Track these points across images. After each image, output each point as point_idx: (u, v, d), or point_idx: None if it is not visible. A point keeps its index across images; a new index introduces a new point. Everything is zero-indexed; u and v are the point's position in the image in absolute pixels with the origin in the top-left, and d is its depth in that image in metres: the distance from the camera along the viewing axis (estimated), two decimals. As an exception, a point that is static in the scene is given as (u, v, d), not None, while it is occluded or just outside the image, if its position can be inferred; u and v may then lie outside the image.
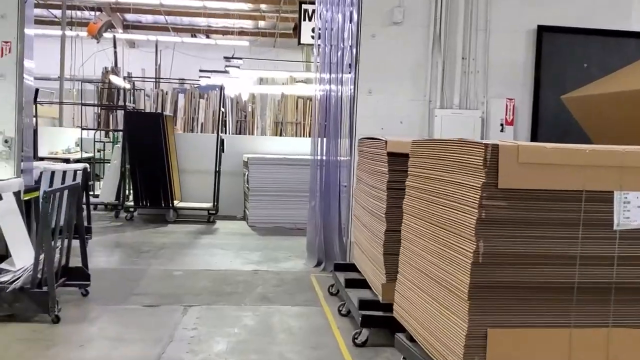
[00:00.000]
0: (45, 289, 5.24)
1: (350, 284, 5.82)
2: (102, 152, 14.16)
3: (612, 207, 3.50)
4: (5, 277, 5.27)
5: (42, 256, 5.23)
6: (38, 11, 20.79)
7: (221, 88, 13.06)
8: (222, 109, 12.96)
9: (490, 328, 3.45)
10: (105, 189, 12.15)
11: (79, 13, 20.64)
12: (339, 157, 7.94)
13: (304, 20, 13.40)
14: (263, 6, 19.87)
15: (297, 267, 7.95)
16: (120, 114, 15.76)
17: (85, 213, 8.81)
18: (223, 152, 11.93)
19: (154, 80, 19.20)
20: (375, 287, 5.27)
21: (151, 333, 5.13)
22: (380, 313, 4.97)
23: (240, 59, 13.97)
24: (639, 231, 3.52)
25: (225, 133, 14.94)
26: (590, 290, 3.51)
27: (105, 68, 19.82)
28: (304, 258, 8.35)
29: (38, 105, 16.43)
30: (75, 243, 6.14)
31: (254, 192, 11.35)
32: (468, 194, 3.51)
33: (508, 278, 3.44)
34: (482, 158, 3.41)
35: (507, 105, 7.67)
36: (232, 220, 11.88)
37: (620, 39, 7.63)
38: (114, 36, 21.12)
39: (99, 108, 18.30)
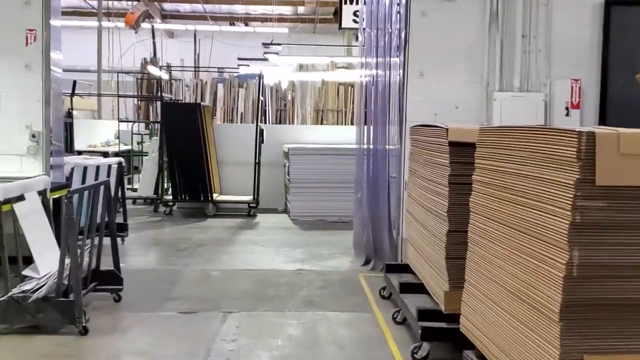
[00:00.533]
0: (71, 297, 4.79)
1: (406, 288, 5.23)
2: (141, 144, 13.83)
3: None
4: (28, 285, 4.84)
5: (67, 261, 4.78)
6: (75, 2, 20.63)
7: (260, 76, 12.56)
8: (262, 98, 12.45)
9: (587, 355, 2.83)
10: (143, 183, 11.77)
11: (116, 3, 20.38)
12: (387, 146, 7.33)
13: (345, 3, 12.79)
14: (303, -9, 19.29)
15: (344, 266, 7.39)
16: (160, 105, 15.43)
17: (121, 209, 8.49)
18: (263, 142, 11.43)
19: (192, 70, 18.84)
20: (435, 294, 4.67)
21: (187, 345, 4.64)
22: (442, 324, 4.38)
23: (280, 44, 13.42)
24: None
25: (265, 123, 14.47)
26: None
27: (144, 59, 19.55)
28: (351, 255, 7.79)
29: (78, 97, 16.31)
30: (108, 241, 5.71)
31: (295, 184, 10.84)
32: (558, 192, 2.89)
33: (609, 294, 2.82)
34: (575, 149, 2.78)
35: (572, 87, 6.94)
36: (273, 214, 11.40)
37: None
38: (152, 26, 20.87)
39: (138, 100, 18.02)
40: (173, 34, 24.16)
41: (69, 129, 13.00)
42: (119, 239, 8.15)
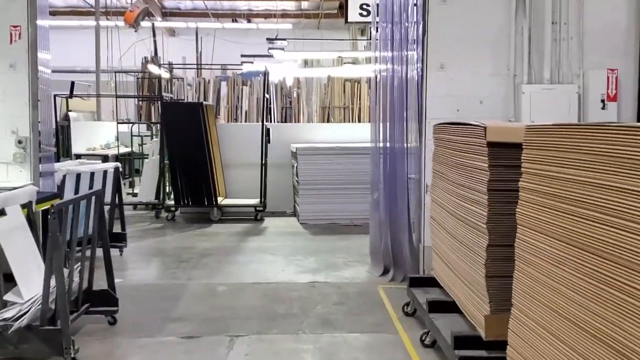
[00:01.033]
0: (59, 324, 4.23)
1: (435, 306, 4.65)
2: (142, 146, 13.27)
3: None
4: (10, 312, 4.27)
5: (53, 285, 4.23)
6: (74, 1, 20.16)
7: (265, 73, 11.98)
8: (267, 95, 11.88)
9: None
10: (144, 187, 11.19)
11: (115, 1, 19.84)
12: (405, 144, 6.75)
13: (351, -4, 12.19)
14: (306, -15, 18.75)
15: (360, 276, 6.81)
16: (160, 105, 14.88)
17: (119, 218, 7.94)
18: (269, 142, 10.85)
19: (194, 68, 18.29)
20: (472, 316, 4.09)
21: (189, 378, 4.09)
22: (483, 353, 3.80)
23: (285, 39, 12.82)
24: None
25: (271, 121, 13.90)
26: None
27: (145, 58, 19.01)
28: (367, 263, 7.22)
29: (77, 99, 15.78)
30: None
31: (304, 186, 10.27)
32: (635, 204, 2.31)
33: None
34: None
35: (608, 78, 6.34)
36: (281, 217, 10.82)
37: None
38: (153, 24, 20.31)
39: (138, 100, 17.47)
40: (174, 32, 23.67)
41: (65, 132, 12.48)
42: (117, 251, 7.66)
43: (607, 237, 2.50)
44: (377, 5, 7.09)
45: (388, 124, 6.87)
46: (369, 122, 14.30)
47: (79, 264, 4.86)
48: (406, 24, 6.74)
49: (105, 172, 7.53)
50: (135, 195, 11.62)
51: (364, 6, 11.76)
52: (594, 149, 2.66)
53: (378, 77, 7.10)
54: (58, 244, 4.18)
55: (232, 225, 9.99)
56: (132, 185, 12.95)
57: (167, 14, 22.47)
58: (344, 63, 15.98)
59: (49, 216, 4.16)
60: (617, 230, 2.44)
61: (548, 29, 6.35)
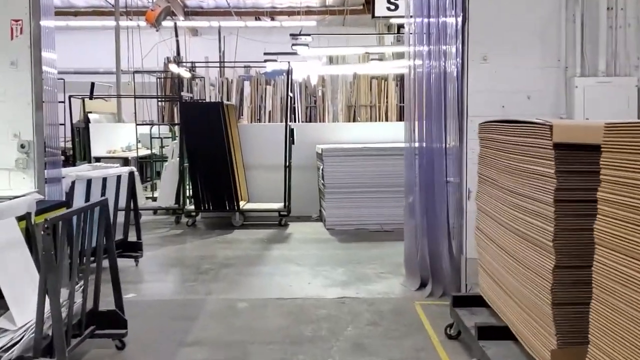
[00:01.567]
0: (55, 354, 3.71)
1: (485, 332, 4.04)
2: (162, 148, 12.83)
3: None
4: (0, 342, 3.77)
5: (48, 311, 3.71)
6: (95, 2, 19.91)
7: (288, 71, 11.43)
8: (290, 94, 11.33)
9: None
10: (163, 192, 10.71)
11: (137, 1, 19.49)
12: (443, 144, 6.13)
13: (378, -10, 11.60)
14: (331, -19, 18.23)
15: (395, 291, 6.21)
16: (179, 105, 14.44)
17: (134, 225, 7.45)
18: (293, 143, 10.30)
19: (217, 67, 17.83)
20: (534, 349, 3.47)
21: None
22: (549, 395, 3.20)
23: (309, 35, 12.25)
24: None
25: (295, 121, 13.36)
26: None
27: (167, 58, 18.63)
28: (400, 275, 6.63)
29: (99, 100, 15.44)
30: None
31: (331, 189, 9.70)
32: None
33: None
34: None
35: (671, 68, 5.67)
36: (306, 222, 10.26)
37: None
38: (175, 24, 19.95)
39: (158, 100, 17.08)
40: (197, 32, 23.33)
41: (81, 134, 12.11)
42: (132, 261, 7.18)
43: None
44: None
45: (424, 122, 6.26)
46: (397, 120, 13.81)
47: (82, 282, 4.35)
48: (443, 18, 6.13)
49: (118, 177, 7.04)
50: (155, 199, 11.15)
51: (392, 0, 11.18)
52: None
53: (412, 73, 6.48)
54: (52, 264, 3.66)
55: (255, 232, 9.46)
56: (153, 188, 12.50)
57: (189, 13, 22.15)
58: (371, 60, 15.39)
59: (42, 232, 3.63)
60: None
61: (603, 16, 5.68)
